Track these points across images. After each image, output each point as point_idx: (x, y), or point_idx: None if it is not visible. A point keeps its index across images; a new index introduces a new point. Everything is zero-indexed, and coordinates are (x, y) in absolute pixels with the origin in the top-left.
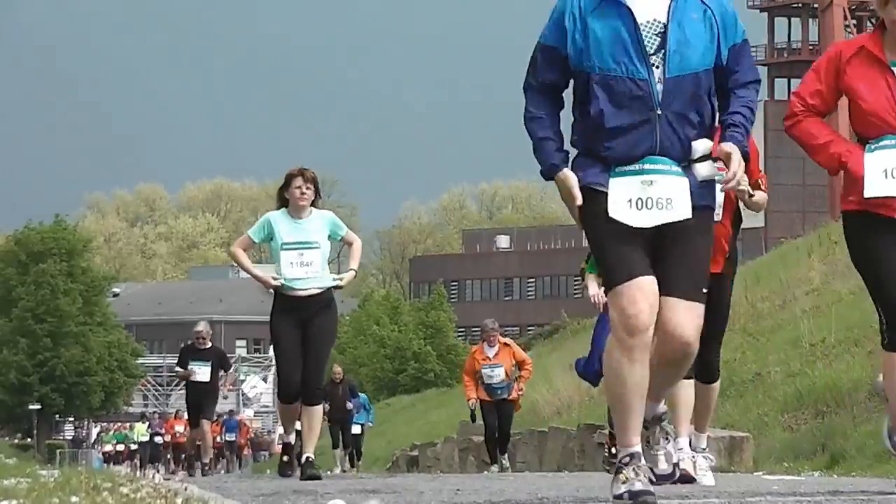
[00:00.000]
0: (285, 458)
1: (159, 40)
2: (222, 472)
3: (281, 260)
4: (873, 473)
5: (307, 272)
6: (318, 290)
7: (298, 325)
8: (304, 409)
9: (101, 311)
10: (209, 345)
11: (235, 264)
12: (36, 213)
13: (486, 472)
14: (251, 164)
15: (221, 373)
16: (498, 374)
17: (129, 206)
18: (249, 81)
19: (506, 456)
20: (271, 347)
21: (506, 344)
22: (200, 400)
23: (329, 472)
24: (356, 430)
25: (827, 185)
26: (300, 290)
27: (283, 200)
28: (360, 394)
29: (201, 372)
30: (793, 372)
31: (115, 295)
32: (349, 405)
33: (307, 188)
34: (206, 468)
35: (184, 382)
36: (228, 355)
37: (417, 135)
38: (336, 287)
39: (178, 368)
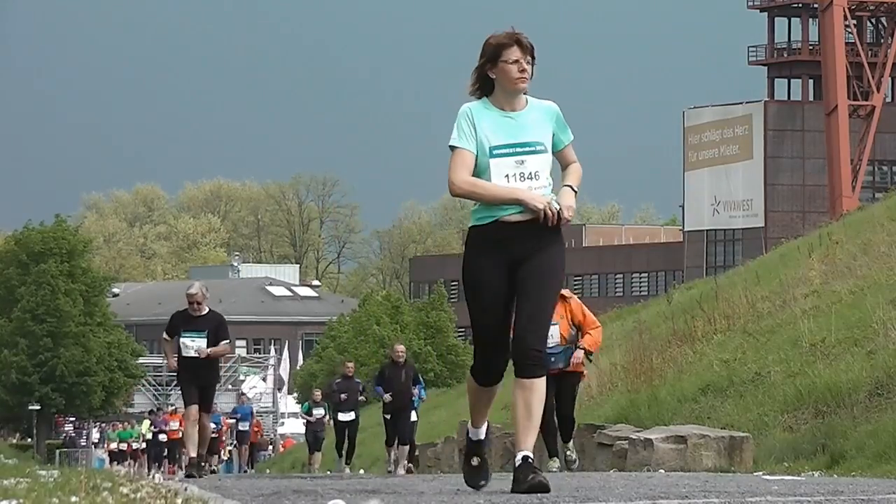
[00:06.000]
0: (474, 462)
1: (159, 41)
2: (221, 467)
3: (491, 172)
4: (873, 473)
5: (532, 186)
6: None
7: (509, 267)
8: (519, 382)
9: (101, 312)
10: (206, 310)
11: (471, 200)
12: (36, 213)
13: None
14: (251, 164)
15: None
16: (552, 336)
17: (127, 207)
18: (249, 81)
19: (571, 443)
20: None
21: (563, 296)
22: (196, 380)
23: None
24: (413, 417)
25: (827, 185)
26: (517, 215)
27: (485, 84)
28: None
29: (196, 346)
30: (793, 372)
31: (115, 295)
32: (414, 391)
33: (528, 62)
34: (204, 463)
35: (175, 362)
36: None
37: (418, 135)
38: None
39: (165, 336)
